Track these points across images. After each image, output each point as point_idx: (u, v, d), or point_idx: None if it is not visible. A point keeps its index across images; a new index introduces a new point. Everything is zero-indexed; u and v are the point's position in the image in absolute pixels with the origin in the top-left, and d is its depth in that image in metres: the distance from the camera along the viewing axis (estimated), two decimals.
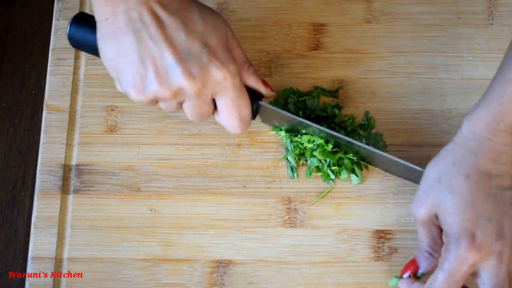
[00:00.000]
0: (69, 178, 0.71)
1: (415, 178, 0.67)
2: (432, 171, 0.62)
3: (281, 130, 0.71)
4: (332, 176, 0.70)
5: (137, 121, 0.73)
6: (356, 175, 0.70)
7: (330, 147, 0.69)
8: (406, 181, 0.70)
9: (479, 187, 0.59)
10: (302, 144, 0.70)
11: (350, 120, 0.72)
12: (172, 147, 0.72)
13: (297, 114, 0.72)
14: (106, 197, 0.71)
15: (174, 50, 0.58)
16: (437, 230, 0.63)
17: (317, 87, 0.74)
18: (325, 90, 0.74)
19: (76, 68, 0.75)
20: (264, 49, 0.76)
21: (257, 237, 0.69)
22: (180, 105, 0.62)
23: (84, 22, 0.63)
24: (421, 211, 0.61)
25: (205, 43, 0.59)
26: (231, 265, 0.68)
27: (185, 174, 0.71)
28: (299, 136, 0.70)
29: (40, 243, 0.69)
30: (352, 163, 0.70)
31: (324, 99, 0.74)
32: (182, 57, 0.58)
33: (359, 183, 0.70)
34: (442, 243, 0.62)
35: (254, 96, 0.66)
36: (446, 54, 0.76)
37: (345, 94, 0.74)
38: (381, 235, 0.69)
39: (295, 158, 0.71)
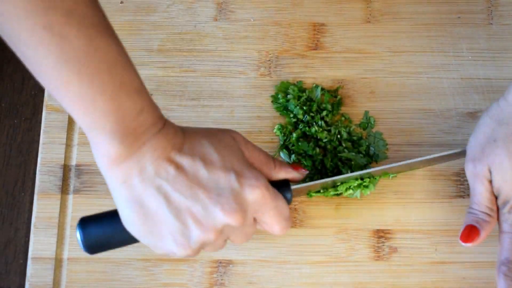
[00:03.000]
0: (69, 178, 0.71)
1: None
2: (487, 128, 0.63)
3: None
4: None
5: None
6: (367, 186, 0.69)
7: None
8: (406, 181, 0.70)
9: None
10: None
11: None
12: None
13: (300, 108, 0.72)
14: (106, 197, 0.70)
15: (205, 190, 0.54)
16: (491, 188, 0.63)
17: (317, 86, 0.74)
18: (325, 90, 0.74)
19: None
20: (264, 49, 0.76)
21: (257, 237, 0.69)
22: (226, 239, 0.59)
23: (91, 222, 0.58)
24: (480, 166, 0.62)
25: (228, 169, 0.56)
26: (231, 265, 0.68)
27: None
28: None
29: (40, 243, 0.69)
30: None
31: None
32: (215, 194, 0.54)
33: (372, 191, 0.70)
34: (496, 205, 0.63)
35: (282, 184, 0.62)
36: (446, 53, 0.76)
37: (345, 94, 0.74)
38: (381, 235, 0.69)
39: (288, 155, 0.71)
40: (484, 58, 0.75)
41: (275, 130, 0.72)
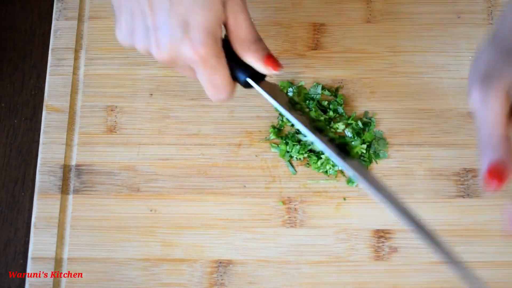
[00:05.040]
0: (69, 178, 0.71)
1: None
2: (491, 51, 0.53)
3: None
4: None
5: (137, 121, 0.73)
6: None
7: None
8: (406, 181, 0.70)
9: None
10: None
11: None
12: (172, 147, 0.72)
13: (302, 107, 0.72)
14: (106, 197, 0.71)
15: (153, 15, 0.57)
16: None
17: (317, 84, 0.74)
18: (325, 89, 0.74)
19: (75, 68, 0.75)
20: None
21: (257, 237, 0.69)
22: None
23: None
24: (504, 77, 0.50)
25: (186, 20, 0.57)
26: (231, 265, 0.68)
27: (185, 174, 0.71)
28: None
29: (40, 243, 0.69)
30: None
31: (325, 98, 0.74)
32: (156, 25, 0.57)
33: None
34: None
35: (246, 66, 0.60)
36: (446, 53, 0.76)
37: (345, 94, 0.74)
38: (381, 235, 0.69)
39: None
40: None
41: (270, 130, 0.72)
